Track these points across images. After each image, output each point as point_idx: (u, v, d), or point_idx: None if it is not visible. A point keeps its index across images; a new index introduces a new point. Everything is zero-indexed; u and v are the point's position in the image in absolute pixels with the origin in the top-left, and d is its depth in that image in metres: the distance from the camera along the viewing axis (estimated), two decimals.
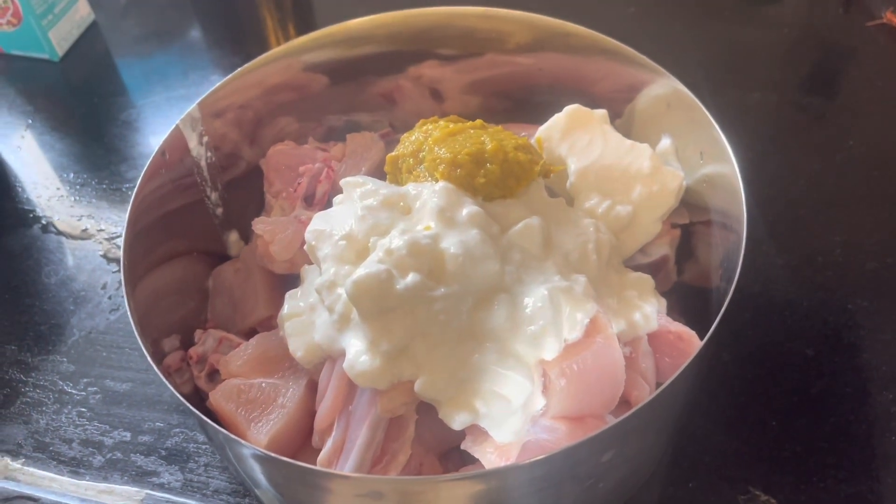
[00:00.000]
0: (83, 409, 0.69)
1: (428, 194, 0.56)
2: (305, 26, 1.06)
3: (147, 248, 0.60)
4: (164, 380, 0.49)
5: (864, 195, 0.78)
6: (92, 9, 1.08)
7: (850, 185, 0.79)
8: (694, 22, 0.98)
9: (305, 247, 0.57)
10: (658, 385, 0.54)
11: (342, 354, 0.53)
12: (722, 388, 0.65)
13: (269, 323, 0.63)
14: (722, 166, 0.58)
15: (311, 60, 0.71)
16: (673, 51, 0.93)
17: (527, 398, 0.50)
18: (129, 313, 0.52)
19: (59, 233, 0.85)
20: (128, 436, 0.67)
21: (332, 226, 0.56)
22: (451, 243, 0.53)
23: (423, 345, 0.52)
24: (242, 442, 0.48)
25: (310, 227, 0.57)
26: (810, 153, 0.82)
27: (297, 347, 0.55)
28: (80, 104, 0.98)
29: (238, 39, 1.08)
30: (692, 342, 0.55)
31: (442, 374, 0.51)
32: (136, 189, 0.58)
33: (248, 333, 0.64)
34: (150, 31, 1.08)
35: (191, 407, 0.48)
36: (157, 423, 0.68)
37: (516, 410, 0.50)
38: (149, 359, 0.50)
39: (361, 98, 0.75)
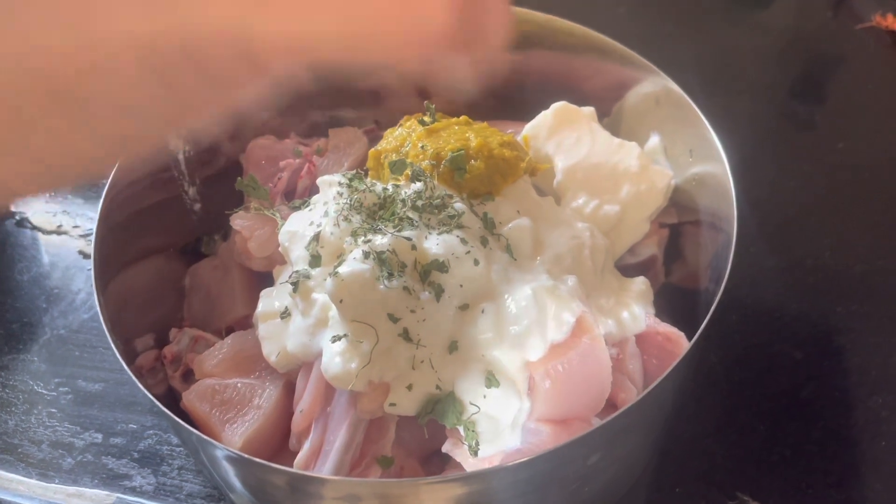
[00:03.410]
0: (54, 410, 0.67)
1: (410, 191, 0.54)
2: None
3: (120, 244, 0.58)
4: (136, 380, 0.47)
5: (854, 198, 0.78)
6: None
7: (839, 188, 0.79)
8: (683, 25, 0.98)
9: (280, 248, 0.56)
10: (645, 387, 0.52)
11: (319, 355, 0.51)
12: (709, 391, 0.64)
13: (248, 321, 0.61)
14: (712, 165, 0.57)
15: None
16: (661, 53, 0.92)
17: (515, 414, 0.49)
18: (99, 312, 0.50)
19: (35, 228, 0.82)
20: (99, 437, 0.65)
21: (305, 226, 0.54)
22: (433, 242, 0.52)
23: (405, 348, 0.50)
24: (216, 443, 0.46)
25: (284, 228, 0.56)
26: (800, 156, 0.82)
27: (271, 352, 0.54)
28: None
29: None
30: (680, 343, 0.54)
31: (416, 392, 0.49)
32: (108, 184, 0.56)
33: (227, 332, 0.62)
34: None
35: (163, 408, 0.47)
36: (130, 425, 0.66)
37: (505, 428, 0.48)
38: (119, 358, 0.48)
39: (346, 94, 0.74)
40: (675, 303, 0.61)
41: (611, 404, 0.52)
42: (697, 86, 0.86)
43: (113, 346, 0.49)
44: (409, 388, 0.49)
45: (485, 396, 0.49)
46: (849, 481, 0.59)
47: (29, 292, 0.76)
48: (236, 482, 0.50)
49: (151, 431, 0.65)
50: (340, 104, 0.74)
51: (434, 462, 0.55)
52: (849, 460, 0.60)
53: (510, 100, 0.73)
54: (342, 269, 0.49)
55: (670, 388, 0.50)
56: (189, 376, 0.60)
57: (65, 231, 0.81)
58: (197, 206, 0.68)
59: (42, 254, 0.80)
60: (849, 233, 0.74)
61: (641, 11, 0.99)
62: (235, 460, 0.46)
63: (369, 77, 0.73)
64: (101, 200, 0.55)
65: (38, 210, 0.84)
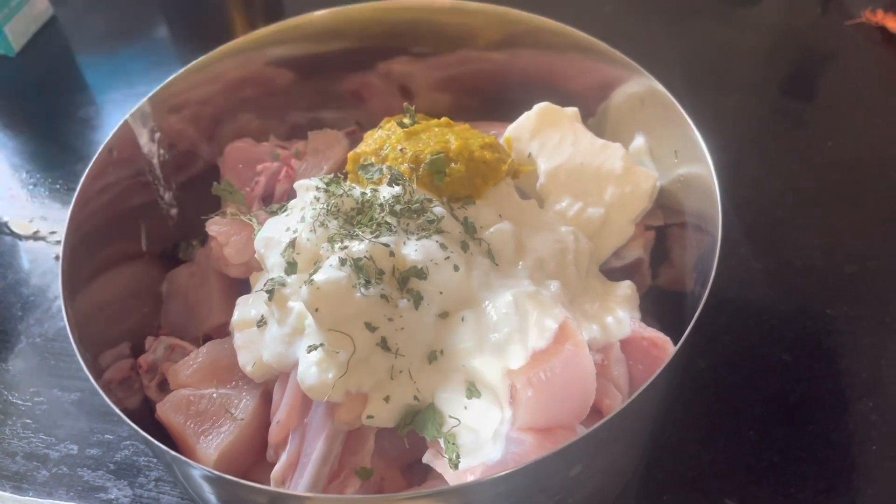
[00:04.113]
0: (28, 421, 0.66)
1: (388, 196, 0.53)
2: (275, 21, 1.03)
3: (92, 252, 0.57)
4: (105, 396, 0.46)
5: (844, 197, 0.77)
6: (53, 4, 1.04)
7: (829, 188, 0.78)
8: (670, 23, 0.97)
9: (256, 255, 0.54)
10: (631, 393, 0.51)
11: (296, 365, 0.50)
12: (697, 395, 0.63)
13: (226, 329, 0.60)
14: (697, 166, 0.56)
15: (275, 55, 0.68)
16: (649, 51, 0.90)
17: (497, 426, 0.47)
18: (66, 324, 0.48)
19: (13, 234, 0.81)
20: (75, 449, 0.64)
21: (282, 232, 0.53)
22: (412, 248, 0.50)
23: (383, 357, 0.49)
24: (189, 462, 0.45)
25: (260, 234, 0.54)
26: (788, 155, 0.81)
27: (247, 362, 0.52)
28: (36, 101, 0.94)
29: (205, 35, 1.04)
30: (666, 348, 0.53)
31: (394, 404, 0.48)
32: (77, 190, 0.55)
33: (204, 340, 0.61)
34: (115, 26, 1.04)
35: (133, 425, 0.45)
36: (107, 436, 0.64)
37: (486, 440, 0.47)
38: (86, 371, 0.47)
39: (328, 95, 0.73)
40: (663, 306, 0.60)
41: (596, 411, 0.51)
42: (685, 84, 0.85)
43: (81, 359, 0.47)
44: (387, 399, 0.48)
45: (466, 408, 0.48)
46: (839, 487, 0.58)
47: (4, 300, 0.75)
48: (212, 498, 0.49)
49: (128, 442, 0.64)
50: (322, 105, 0.73)
51: (416, 471, 0.54)
52: (839, 465, 0.59)
53: (495, 100, 0.72)
54: (318, 277, 0.48)
55: (656, 393, 0.49)
56: (166, 386, 0.58)
57: (42, 237, 0.80)
58: (174, 211, 0.66)
59: (21, 260, 0.79)
60: (838, 233, 0.73)
61: (628, 9, 0.98)
62: (209, 478, 0.45)
63: (351, 77, 0.72)
64: (71, 208, 0.54)
65: (15, 215, 0.82)
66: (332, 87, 0.72)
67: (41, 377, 0.69)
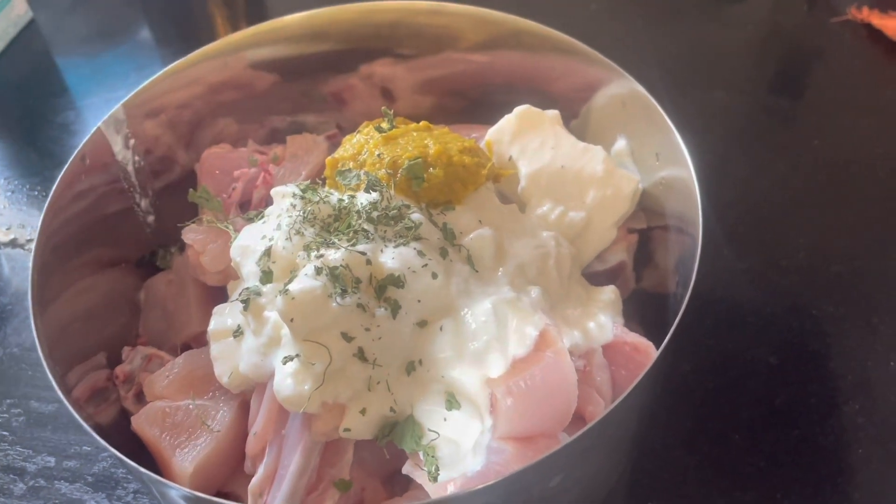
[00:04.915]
0: (5, 433, 0.65)
1: (365, 202, 0.52)
2: (257, 23, 1.02)
3: (65, 262, 0.56)
4: (73, 412, 0.45)
5: (831, 197, 0.76)
6: (34, 7, 1.03)
7: (815, 187, 0.77)
8: (656, 20, 0.96)
9: (232, 263, 0.54)
10: (615, 399, 0.51)
11: (273, 376, 0.49)
12: (682, 400, 0.62)
13: (205, 338, 0.59)
14: (678, 169, 0.55)
15: (256, 57, 0.67)
16: (634, 50, 0.90)
17: (476, 439, 0.47)
18: (36, 339, 0.47)
19: None
20: (52, 461, 0.63)
21: (258, 240, 0.52)
22: (389, 256, 0.49)
23: (360, 368, 0.48)
24: (164, 481, 0.44)
25: (235, 243, 0.53)
26: (775, 154, 0.80)
27: (223, 372, 0.52)
28: (15, 106, 0.93)
29: (187, 37, 1.03)
30: (649, 353, 0.52)
31: (371, 416, 0.47)
32: (48, 200, 0.54)
33: (183, 349, 0.60)
34: (96, 29, 1.03)
35: (106, 444, 0.44)
36: (84, 447, 0.63)
37: (466, 451, 0.46)
38: (56, 387, 0.46)
39: (309, 97, 0.72)
40: (647, 310, 0.59)
41: (579, 418, 0.50)
42: (671, 82, 0.85)
43: (50, 375, 0.46)
44: (363, 412, 0.47)
45: (445, 419, 0.47)
46: (826, 491, 0.58)
47: None
48: None
49: (106, 454, 0.63)
50: (302, 108, 0.72)
51: (398, 481, 0.53)
52: (825, 470, 0.59)
53: (478, 102, 0.71)
54: (293, 287, 0.47)
55: (639, 398, 0.49)
56: (143, 397, 0.57)
57: (20, 244, 0.79)
58: (150, 219, 0.65)
59: (1, 268, 0.78)
60: (824, 233, 0.73)
61: (614, 8, 0.97)
62: (184, 497, 0.44)
63: (332, 79, 0.71)
64: (41, 219, 0.53)
65: None
66: (314, 90, 0.72)
67: (18, 388, 0.68)
